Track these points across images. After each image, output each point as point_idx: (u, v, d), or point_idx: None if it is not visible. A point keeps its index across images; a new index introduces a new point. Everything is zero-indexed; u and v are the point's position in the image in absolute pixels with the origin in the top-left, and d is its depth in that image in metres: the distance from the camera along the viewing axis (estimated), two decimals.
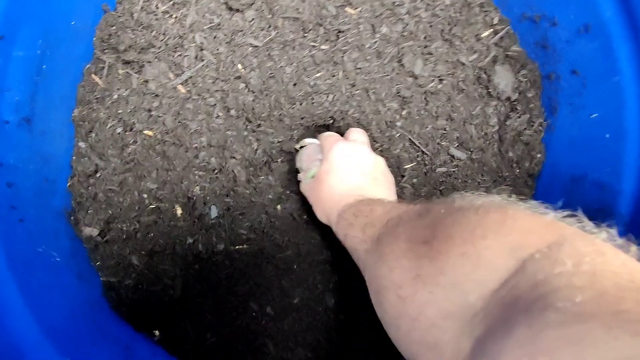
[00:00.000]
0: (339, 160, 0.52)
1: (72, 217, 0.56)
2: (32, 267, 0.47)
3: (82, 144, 0.57)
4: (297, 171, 0.64)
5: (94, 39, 0.57)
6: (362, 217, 0.43)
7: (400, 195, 0.62)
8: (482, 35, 0.60)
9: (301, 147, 0.64)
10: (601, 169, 0.52)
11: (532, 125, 0.60)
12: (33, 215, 0.49)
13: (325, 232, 0.63)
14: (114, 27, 0.57)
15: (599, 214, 0.53)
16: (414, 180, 0.62)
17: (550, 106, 0.58)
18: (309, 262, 0.61)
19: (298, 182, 0.63)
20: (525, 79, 0.60)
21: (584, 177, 0.55)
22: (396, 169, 0.63)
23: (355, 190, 0.49)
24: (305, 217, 0.64)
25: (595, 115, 0.52)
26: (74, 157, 0.57)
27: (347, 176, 0.51)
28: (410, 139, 0.61)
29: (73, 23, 0.52)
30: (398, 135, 0.61)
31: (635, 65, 0.46)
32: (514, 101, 0.61)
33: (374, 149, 0.63)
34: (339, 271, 0.61)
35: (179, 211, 0.60)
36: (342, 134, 0.64)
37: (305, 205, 0.65)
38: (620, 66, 0.48)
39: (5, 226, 0.45)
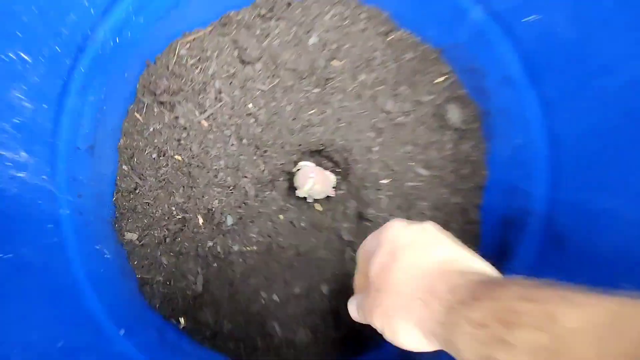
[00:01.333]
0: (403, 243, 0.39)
1: (116, 225, 0.69)
2: (94, 260, 0.60)
3: (125, 167, 0.71)
4: (295, 188, 0.79)
5: (138, 85, 0.72)
6: (528, 327, 0.27)
7: (378, 204, 0.77)
8: (436, 82, 0.79)
9: (297, 169, 0.79)
10: (526, 181, 0.70)
11: (477, 149, 0.78)
12: (93, 220, 0.62)
13: (320, 236, 0.77)
14: (153, 76, 0.73)
15: (526, 215, 0.70)
16: (389, 192, 0.78)
17: (489, 134, 0.76)
18: (307, 259, 0.75)
19: (296, 197, 0.78)
20: (471, 114, 0.78)
21: (516, 188, 0.72)
22: (376, 183, 0.79)
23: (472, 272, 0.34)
24: (302, 224, 0.79)
25: (519, 141, 0.70)
26: (118, 177, 0.70)
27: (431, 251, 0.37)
28: (384, 160, 0.78)
29: (126, 75, 0.68)
30: (375, 157, 0.78)
31: (538, 105, 0.65)
32: (463, 131, 0.79)
33: (357, 170, 0.78)
34: (331, 266, 0.75)
35: (200, 220, 0.74)
36: (330, 157, 0.80)
37: (302, 215, 0.80)
38: (529, 105, 0.66)
39: (77, 227, 0.58)
